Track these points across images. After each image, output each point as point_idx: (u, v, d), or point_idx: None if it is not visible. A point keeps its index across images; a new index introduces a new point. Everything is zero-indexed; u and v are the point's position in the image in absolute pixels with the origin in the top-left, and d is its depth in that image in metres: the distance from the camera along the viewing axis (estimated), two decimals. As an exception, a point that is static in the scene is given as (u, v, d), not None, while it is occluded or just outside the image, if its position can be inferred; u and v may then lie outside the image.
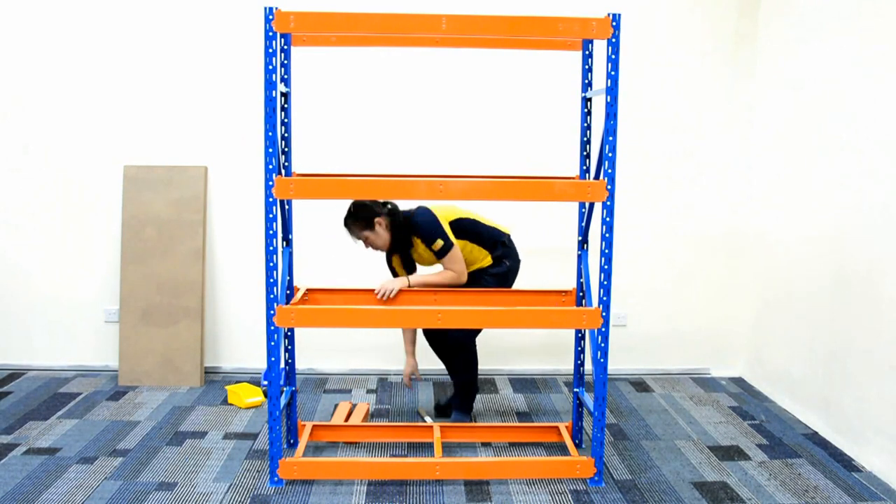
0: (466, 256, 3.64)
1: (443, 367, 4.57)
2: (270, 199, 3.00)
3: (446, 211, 3.64)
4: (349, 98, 4.42)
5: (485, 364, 4.61)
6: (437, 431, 3.51)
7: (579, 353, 3.57)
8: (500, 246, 3.68)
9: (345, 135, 4.44)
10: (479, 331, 3.76)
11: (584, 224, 3.50)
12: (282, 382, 3.38)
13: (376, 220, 3.55)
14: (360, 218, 3.55)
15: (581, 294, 3.51)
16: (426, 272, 3.68)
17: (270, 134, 2.95)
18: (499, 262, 3.67)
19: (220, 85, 4.39)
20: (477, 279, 3.67)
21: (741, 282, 4.57)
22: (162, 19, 4.34)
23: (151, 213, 4.39)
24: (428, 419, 3.88)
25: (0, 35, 4.34)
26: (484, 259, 3.67)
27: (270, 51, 2.90)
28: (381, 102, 4.42)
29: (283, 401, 3.32)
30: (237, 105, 4.37)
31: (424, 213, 3.57)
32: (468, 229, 3.64)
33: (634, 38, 4.35)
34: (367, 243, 3.61)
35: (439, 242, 3.53)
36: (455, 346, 3.68)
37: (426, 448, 3.52)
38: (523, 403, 4.16)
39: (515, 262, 3.72)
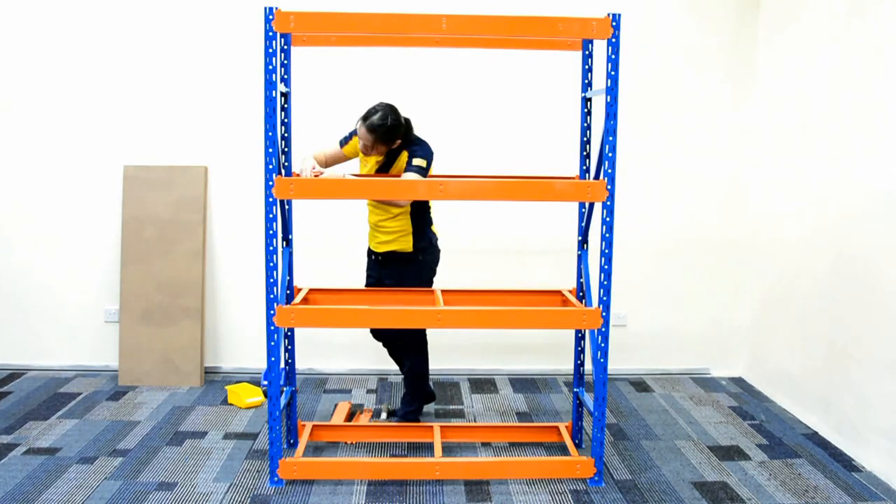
0: (398, 221, 3.52)
1: (443, 367, 4.58)
2: (270, 199, 3.00)
3: None
4: (349, 98, 4.42)
5: (485, 364, 4.63)
6: (437, 431, 3.51)
7: (579, 353, 3.57)
8: (424, 236, 3.59)
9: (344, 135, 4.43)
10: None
11: (584, 224, 3.50)
12: (282, 382, 3.38)
13: (397, 139, 3.42)
14: (389, 137, 3.37)
15: (581, 294, 3.50)
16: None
17: (270, 134, 2.95)
18: (416, 255, 3.58)
19: (220, 85, 4.39)
20: (388, 261, 3.59)
21: (741, 282, 4.57)
22: (162, 19, 4.35)
23: (151, 213, 4.39)
24: (384, 415, 3.90)
25: (0, 35, 4.35)
26: (405, 239, 3.55)
27: (270, 51, 2.90)
28: (381, 102, 4.42)
29: (283, 401, 3.32)
30: (237, 105, 4.37)
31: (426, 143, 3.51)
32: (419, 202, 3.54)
33: (634, 38, 4.35)
34: (371, 150, 3.42)
35: (423, 162, 3.37)
36: (406, 339, 3.66)
37: (426, 448, 3.52)
38: (523, 403, 4.16)
39: (432, 261, 3.65)
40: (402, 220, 3.55)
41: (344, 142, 3.64)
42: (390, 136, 3.39)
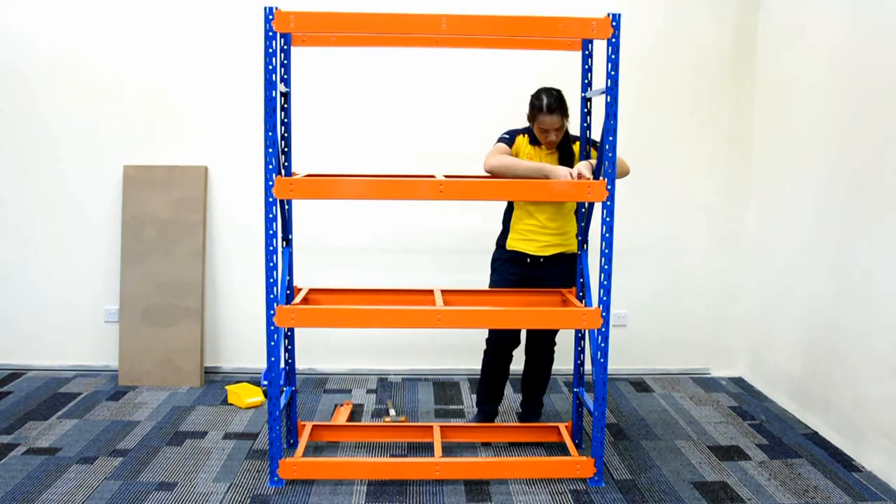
0: (568, 222, 3.54)
1: (443, 367, 4.58)
2: (270, 199, 3.00)
3: None
4: (349, 98, 4.42)
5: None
6: (437, 431, 3.51)
7: (579, 353, 3.57)
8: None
9: (345, 135, 4.44)
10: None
11: (583, 224, 3.50)
12: (282, 382, 3.38)
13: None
14: (565, 106, 3.37)
15: (581, 294, 3.50)
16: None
17: (270, 134, 2.95)
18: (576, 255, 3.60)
19: (220, 85, 4.39)
20: (554, 263, 3.56)
21: (741, 282, 4.57)
22: (162, 19, 4.35)
23: (151, 213, 4.39)
24: (393, 412, 3.91)
25: (0, 34, 4.35)
26: (573, 240, 3.56)
27: (270, 51, 2.90)
28: (381, 102, 4.42)
29: (283, 401, 3.32)
30: (237, 105, 4.37)
31: None
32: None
33: (634, 37, 4.34)
34: (555, 134, 3.38)
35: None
36: (547, 343, 3.74)
37: (426, 448, 3.52)
38: (523, 403, 4.16)
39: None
40: (571, 220, 3.55)
41: (510, 142, 3.49)
42: (565, 108, 3.37)
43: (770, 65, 4.30)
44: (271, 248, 3.02)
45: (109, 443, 3.54)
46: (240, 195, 4.45)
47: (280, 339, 3.08)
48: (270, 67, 2.91)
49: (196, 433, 3.68)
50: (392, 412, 3.91)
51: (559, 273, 3.58)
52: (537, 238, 3.52)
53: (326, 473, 3.21)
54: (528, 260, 3.56)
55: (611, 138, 2.99)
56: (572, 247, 3.57)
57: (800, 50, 3.99)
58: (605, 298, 3.09)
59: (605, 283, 3.09)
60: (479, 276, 4.48)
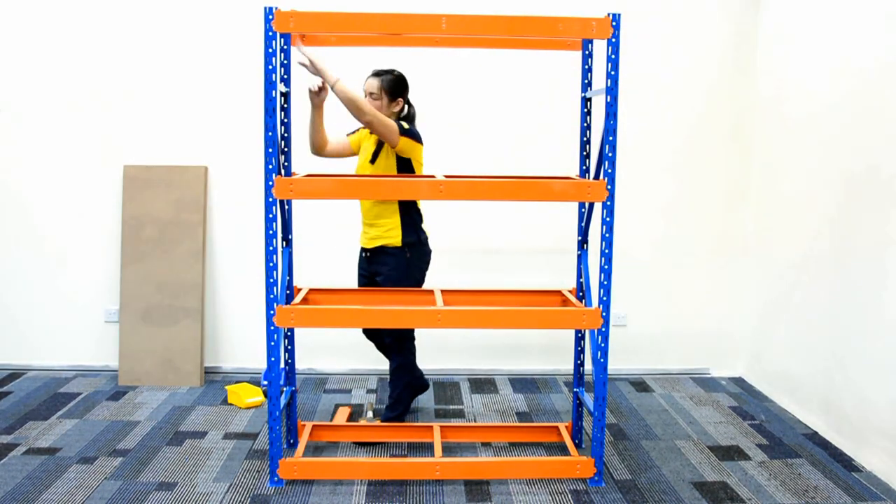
0: (389, 216, 3.55)
1: (443, 367, 4.59)
2: (270, 199, 3.00)
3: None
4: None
5: (485, 364, 4.63)
6: (437, 431, 3.51)
7: (579, 353, 3.57)
8: (414, 231, 3.59)
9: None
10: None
11: (583, 224, 3.50)
12: (282, 382, 3.38)
13: (399, 99, 3.56)
14: (393, 88, 3.53)
15: (581, 294, 3.51)
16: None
17: (270, 134, 2.95)
18: (404, 250, 3.56)
19: (220, 85, 4.39)
20: (375, 258, 3.60)
21: (741, 282, 4.57)
22: (162, 19, 4.35)
23: (151, 213, 4.39)
24: (370, 414, 3.84)
25: (0, 34, 4.35)
26: (392, 232, 3.55)
27: (270, 51, 2.91)
28: (381, 102, 4.42)
29: (283, 401, 3.32)
30: (237, 105, 4.37)
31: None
32: (409, 168, 3.56)
33: (634, 38, 4.35)
34: (369, 98, 3.51)
35: (406, 125, 3.51)
36: (392, 341, 3.65)
37: (426, 448, 3.53)
38: (523, 403, 4.16)
39: (421, 260, 3.63)
40: (393, 214, 3.54)
41: (351, 133, 3.72)
42: (394, 87, 3.52)
43: (770, 65, 4.30)
44: (271, 248, 3.02)
45: (109, 443, 3.54)
46: (240, 195, 4.45)
47: (280, 339, 3.08)
48: (270, 67, 2.91)
49: (196, 433, 3.68)
50: (370, 414, 3.86)
51: (382, 269, 3.57)
52: (364, 229, 3.64)
53: (326, 473, 3.21)
54: (364, 254, 3.67)
55: (611, 138, 2.99)
56: (393, 240, 3.54)
57: (800, 50, 3.99)
58: (605, 298, 3.09)
59: (605, 283, 3.09)
60: (480, 275, 4.49)
